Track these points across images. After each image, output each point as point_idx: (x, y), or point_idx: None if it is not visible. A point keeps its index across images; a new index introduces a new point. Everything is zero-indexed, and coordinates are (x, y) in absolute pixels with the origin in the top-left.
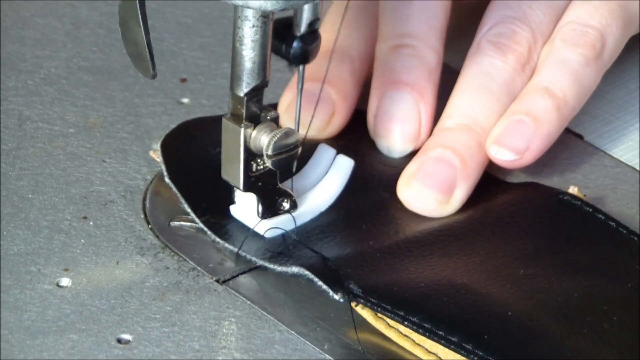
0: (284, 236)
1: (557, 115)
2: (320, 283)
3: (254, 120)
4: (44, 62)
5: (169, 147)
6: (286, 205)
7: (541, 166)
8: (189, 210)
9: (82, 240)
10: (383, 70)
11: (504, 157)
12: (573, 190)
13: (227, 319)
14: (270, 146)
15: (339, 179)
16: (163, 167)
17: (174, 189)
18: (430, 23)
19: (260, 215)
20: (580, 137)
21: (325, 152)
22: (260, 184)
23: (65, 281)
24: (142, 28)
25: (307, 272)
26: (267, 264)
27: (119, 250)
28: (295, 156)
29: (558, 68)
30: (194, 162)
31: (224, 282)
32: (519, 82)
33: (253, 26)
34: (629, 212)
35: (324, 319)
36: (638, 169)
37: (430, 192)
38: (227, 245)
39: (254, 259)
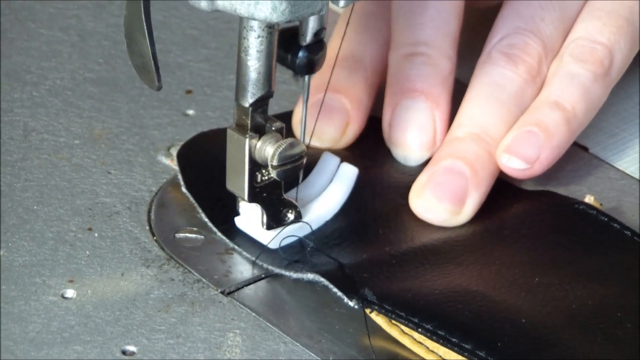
0: (302, 243)
1: (566, 127)
2: (335, 290)
3: (259, 131)
4: (50, 73)
5: (185, 157)
6: (291, 216)
7: (546, 179)
8: (206, 220)
9: (87, 252)
10: (397, 78)
11: (515, 165)
12: (589, 199)
13: (232, 331)
14: (275, 157)
15: (344, 187)
16: (180, 177)
17: (191, 199)
18: (443, 31)
19: (265, 226)
20: (585, 149)
21: (329, 161)
22: (265, 194)
23: (70, 292)
24: (148, 40)
25: (322, 279)
26: (283, 272)
27: (124, 262)
28: (300, 167)
29: (567, 82)
30: (210, 172)
31: (229, 293)
32: (529, 93)
33: (258, 37)
34: (635, 225)
35: (329, 331)
36: None
37: (442, 202)
38: (245, 254)
39: (270, 267)
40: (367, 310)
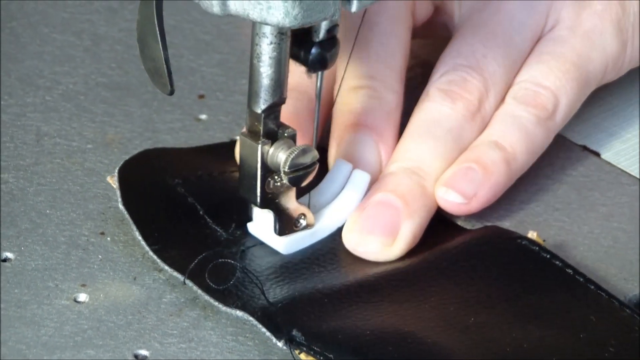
0: (236, 271)
1: (505, 167)
2: (264, 330)
3: (272, 137)
4: (63, 78)
5: (126, 173)
6: (303, 222)
7: (558, 184)
8: (139, 238)
9: (100, 256)
10: (342, 112)
11: (452, 198)
12: (532, 235)
13: (244, 335)
14: (288, 163)
15: (356, 194)
16: (118, 193)
17: (127, 215)
18: (388, 64)
19: (277, 232)
20: (597, 154)
21: (342, 167)
22: (277, 200)
23: (82, 297)
24: (160, 44)
25: (250, 318)
26: (212, 300)
27: (136, 266)
28: (312, 173)
29: (508, 123)
30: (150, 191)
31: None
32: (468, 129)
33: (270, 43)
34: None
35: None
36: None
37: (373, 235)
38: (175, 274)
39: (199, 291)
40: (297, 351)
